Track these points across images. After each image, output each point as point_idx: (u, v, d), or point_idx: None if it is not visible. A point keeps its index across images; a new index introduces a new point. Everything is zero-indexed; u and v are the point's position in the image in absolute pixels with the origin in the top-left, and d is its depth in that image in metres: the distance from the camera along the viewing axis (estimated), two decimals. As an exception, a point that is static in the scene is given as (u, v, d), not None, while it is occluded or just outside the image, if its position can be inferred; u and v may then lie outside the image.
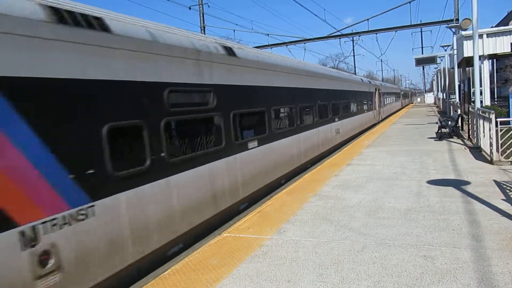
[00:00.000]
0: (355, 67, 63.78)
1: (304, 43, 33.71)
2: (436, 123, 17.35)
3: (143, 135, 5.00)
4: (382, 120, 29.85)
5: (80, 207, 3.97)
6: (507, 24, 44.24)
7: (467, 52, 18.76)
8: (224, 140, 6.90)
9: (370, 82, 27.90)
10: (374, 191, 7.59)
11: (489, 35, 18.65)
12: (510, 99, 20.82)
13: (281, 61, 10.36)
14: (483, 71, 18.46)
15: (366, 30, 30.44)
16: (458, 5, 26.41)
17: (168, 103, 5.49)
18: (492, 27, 23.42)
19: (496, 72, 38.20)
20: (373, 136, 17.62)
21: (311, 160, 11.88)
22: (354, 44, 54.88)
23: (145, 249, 4.86)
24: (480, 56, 17.30)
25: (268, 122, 8.80)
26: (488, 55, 18.84)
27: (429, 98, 76.62)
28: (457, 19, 24.87)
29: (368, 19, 29.26)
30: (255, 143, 8.12)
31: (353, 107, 19.52)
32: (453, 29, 23.98)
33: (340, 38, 33.82)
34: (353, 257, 4.64)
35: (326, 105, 13.87)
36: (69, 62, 4.06)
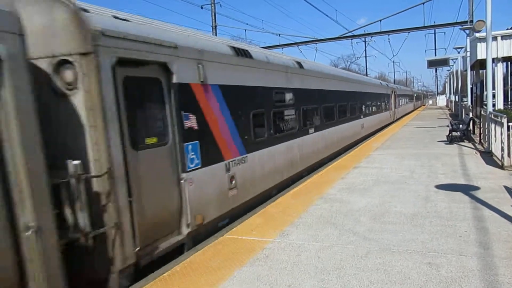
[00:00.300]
0: (366, 68, 63.36)
1: (316, 43, 33.50)
2: (447, 126, 17.11)
3: (264, 118, 8.42)
4: (397, 119, 32.13)
5: (243, 156, 7.36)
6: (522, 27, 43.41)
7: (481, 55, 18.45)
8: (297, 126, 10.25)
9: (387, 85, 31.52)
10: (380, 195, 7.48)
11: (503, 37, 18.33)
12: (524, 103, 20.46)
13: (329, 70, 14.73)
14: (497, 74, 18.16)
15: (379, 31, 30.14)
16: (472, 6, 26.03)
17: (273, 99, 8.91)
18: (507, 29, 23.04)
19: (511, 74, 37.58)
20: (383, 139, 17.44)
21: (344, 147, 15.15)
22: (366, 45, 54.39)
23: (263, 187, 8.19)
24: (494, 59, 17.04)
25: (320, 115, 12.25)
26: (502, 57, 18.54)
27: (441, 100, 75.71)
28: (471, 21, 24.48)
29: (380, 20, 28.96)
30: (313, 130, 11.47)
31: (373, 108, 22.61)
32: (467, 31, 23.64)
33: (352, 39, 33.49)
34: (356, 262, 4.56)
35: (356, 103, 17.77)
36: (240, 76, 7.50)
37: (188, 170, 5.68)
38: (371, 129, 21.28)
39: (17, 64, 3.29)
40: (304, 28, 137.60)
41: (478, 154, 11.62)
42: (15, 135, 3.25)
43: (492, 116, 11.06)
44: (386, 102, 27.61)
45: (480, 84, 16.37)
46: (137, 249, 4.66)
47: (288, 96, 9.76)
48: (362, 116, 18.73)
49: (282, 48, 32.52)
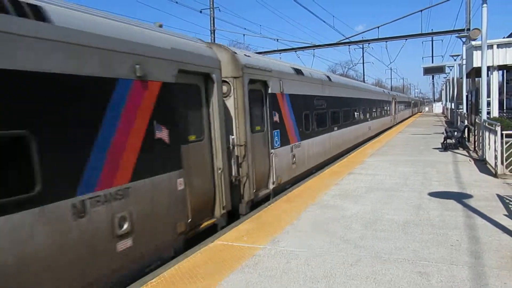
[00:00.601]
0: (364, 75, 63.62)
1: (313, 49, 33.58)
2: (442, 133, 17.14)
3: (309, 118, 11.62)
4: (397, 123, 36.09)
5: (299, 142, 10.50)
6: (518, 35, 43.72)
7: (477, 63, 18.49)
8: (328, 125, 13.66)
9: (389, 93, 35.78)
10: (373, 202, 7.45)
11: (499, 45, 18.39)
12: (519, 111, 20.52)
13: (347, 81, 19.08)
14: (492, 82, 18.23)
15: (376, 37, 30.27)
16: (470, 14, 26.19)
17: (314, 104, 12.18)
18: (503, 37, 23.19)
19: (507, 83, 37.78)
20: (378, 145, 17.45)
21: (355, 144, 18.46)
22: (364, 51, 54.60)
23: (309, 165, 11.54)
24: (489, 67, 17.11)
25: (340, 117, 15.54)
26: (498, 66, 18.61)
27: (438, 107, 76.01)
28: (468, 29, 24.60)
29: (378, 27, 29.08)
30: (336, 128, 14.85)
31: (378, 112, 26.36)
32: (463, 39, 23.76)
33: (349, 45, 33.62)
34: (346, 270, 4.51)
35: (365, 108, 21.33)
36: (297, 87, 10.75)
37: (274, 148, 9.10)
38: (376, 131, 24.90)
39: (218, 83, 6.76)
40: (302, 33, 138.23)
41: (472, 162, 11.63)
42: (216, 121, 6.71)
43: (486, 124, 11.08)
44: (388, 108, 31.92)
45: (475, 92, 16.43)
46: (254, 191, 8.03)
47: (323, 102, 13.19)
48: (369, 119, 22.52)
49: (280, 53, 32.57)
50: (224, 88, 7.36)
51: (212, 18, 30.29)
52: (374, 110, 24.18)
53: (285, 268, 4.66)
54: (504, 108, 32.16)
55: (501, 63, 18.59)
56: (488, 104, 16.03)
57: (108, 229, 4.37)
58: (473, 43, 19.11)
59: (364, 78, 61.94)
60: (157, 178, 5.16)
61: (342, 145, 15.76)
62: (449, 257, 4.74)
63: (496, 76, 19.31)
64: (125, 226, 4.60)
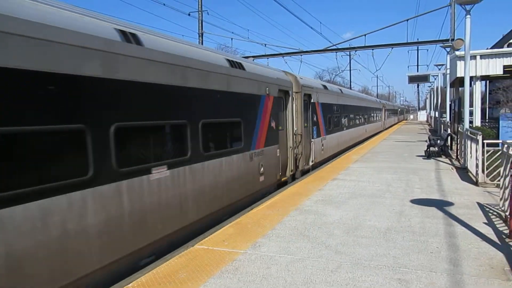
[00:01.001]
0: (350, 82, 64.17)
1: (301, 55, 33.69)
2: (426, 141, 17.34)
3: (330, 119, 16.44)
4: (386, 128, 40.81)
5: (325, 136, 15.53)
6: (502, 47, 44.70)
7: (460, 72, 18.82)
8: (340, 125, 18.34)
9: (380, 101, 40.54)
10: (355, 208, 7.46)
11: (482, 56, 18.76)
12: (500, 121, 20.96)
13: (352, 93, 25.09)
14: (475, 92, 18.54)
15: (363, 45, 30.54)
16: (454, 25, 26.63)
17: (334, 110, 17.20)
18: (487, 49, 23.69)
19: (489, 93, 38.55)
20: (363, 151, 17.57)
21: (355, 142, 22.90)
22: (351, 58, 55.09)
23: (331, 152, 16.52)
24: (472, 77, 17.41)
25: (348, 120, 20.54)
26: (480, 76, 18.95)
27: (422, 116, 77.15)
28: (453, 39, 25.02)
29: (365, 35, 29.26)
30: (345, 128, 19.75)
31: (372, 118, 31.42)
32: (447, 49, 24.15)
33: (336, 52, 33.83)
34: (326, 277, 4.48)
35: (363, 114, 26.48)
36: (325, 97, 15.78)
37: (313, 138, 13.60)
38: (370, 133, 30.16)
39: (291, 97, 11.60)
40: (289, 39, 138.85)
41: (454, 170, 11.76)
42: (289, 118, 11.51)
43: (468, 133, 11.24)
44: (380, 114, 37.76)
45: (458, 101, 16.68)
46: (304, 164, 12.45)
47: (338, 108, 18.02)
48: (366, 123, 27.80)
49: (268, 58, 32.58)
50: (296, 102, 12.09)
51: (200, 21, 30.18)
52: (370, 116, 29.86)
53: (265, 274, 4.61)
54: (487, 117, 32.76)
55: (484, 74, 18.95)
56: (471, 113, 16.30)
57: (258, 167, 9.10)
58: (457, 53, 19.43)
59: (350, 85, 62.49)
60: (271, 148, 9.82)
61: (349, 141, 20.87)
62: (429, 264, 4.75)
63: (479, 86, 19.65)
64: (262, 169, 9.26)
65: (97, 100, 4.53)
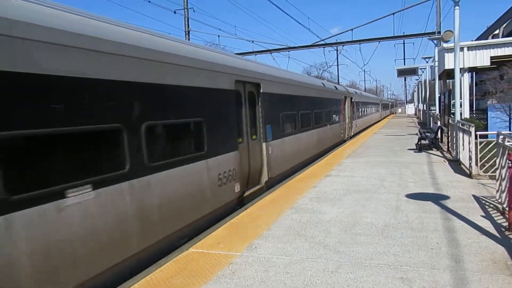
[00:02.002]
0: (338, 77, 64.24)
1: (288, 51, 33.62)
2: (416, 134, 17.34)
3: (358, 112, 25.45)
4: (382, 119, 44.65)
5: (356, 120, 23.32)
6: (486, 38, 45.07)
7: (448, 65, 18.88)
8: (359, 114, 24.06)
9: (377, 97, 44.86)
10: (351, 205, 7.34)
11: (469, 48, 18.81)
12: (489, 112, 21.06)
13: (360, 92, 29.70)
14: (463, 84, 18.59)
15: (350, 40, 30.56)
16: (440, 17, 26.72)
17: (359, 107, 27.72)
18: (472, 40, 23.80)
19: (476, 85, 38.88)
20: (354, 146, 17.50)
21: (370, 124, 32.59)
22: (338, 53, 55.11)
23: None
24: (460, 69, 17.42)
25: (364, 110, 27.13)
26: (468, 68, 19.02)
27: (410, 109, 77.69)
28: (439, 32, 25.11)
29: (352, 29, 29.28)
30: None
31: (374, 110, 40.84)
32: (435, 41, 24.22)
33: (324, 47, 33.79)
34: (327, 278, 4.34)
35: (371, 108, 35.42)
36: (361, 99, 28.80)
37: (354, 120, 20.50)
38: (373, 121, 39.02)
39: (348, 100, 20.66)
40: (277, 36, 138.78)
41: (447, 163, 11.74)
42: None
43: (460, 125, 11.20)
44: (377, 108, 45.88)
45: (448, 93, 16.70)
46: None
47: (361, 105, 22.66)
48: (370, 114, 35.12)
49: (256, 54, 32.39)
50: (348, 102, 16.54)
51: (186, 19, 29.86)
52: (372, 109, 36.33)
53: (264, 277, 4.45)
54: (474, 109, 33.00)
55: (471, 65, 19.02)
56: (460, 105, 16.34)
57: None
58: (445, 45, 19.46)
59: (338, 80, 62.56)
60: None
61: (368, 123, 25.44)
62: (430, 261, 4.64)
63: (467, 78, 19.73)
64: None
65: None
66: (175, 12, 30.75)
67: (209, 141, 6.79)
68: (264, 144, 9.60)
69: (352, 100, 24.21)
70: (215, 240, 5.77)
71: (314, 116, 14.99)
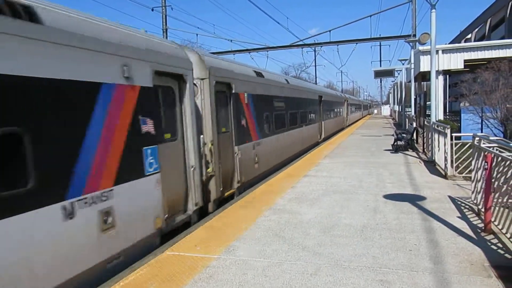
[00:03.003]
0: (316, 77, 64.63)
1: (267, 51, 33.67)
2: (392, 135, 17.57)
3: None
4: (363, 117, 50.20)
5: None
6: (460, 42, 46.30)
7: (424, 67, 19.19)
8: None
9: (359, 99, 48.83)
10: (330, 206, 7.30)
11: (444, 51, 19.19)
12: (462, 114, 21.53)
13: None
14: (438, 86, 18.95)
15: (328, 41, 30.80)
16: (415, 21, 27.21)
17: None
18: (446, 44, 24.38)
19: (449, 87, 39.84)
20: (332, 146, 17.58)
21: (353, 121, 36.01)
22: (316, 54, 55.49)
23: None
24: (435, 71, 17.75)
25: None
26: (442, 70, 19.39)
27: (386, 110, 79.00)
28: (415, 35, 25.57)
29: (330, 31, 29.58)
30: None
31: (357, 110, 45.00)
32: (411, 44, 24.61)
33: (302, 48, 34.02)
34: (306, 281, 4.26)
35: (355, 107, 44.58)
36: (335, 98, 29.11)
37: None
38: (355, 119, 44.12)
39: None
40: (256, 35, 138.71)
41: (422, 164, 11.89)
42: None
43: (436, 127, 11.36)
44: (360, 108, 53.26)
45: (423, 95, 16.97)
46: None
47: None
48: (351, 114, 39.93)
49: (234, 54, 32.23)
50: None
51: (164, 16, 29.46)
52: (356, 109, 41.54)
53: (241, 281, 4.33)
54: (447, 111, 33.78)
55: (445, 68, 19.41)
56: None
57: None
58: (421, 48, 19.77)
59: (316, 81, 62.97)
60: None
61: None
62: (409, 263, 4.62)
63: (441, 80, 20.10)
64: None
65: None
66: (152, 10, 30.29)
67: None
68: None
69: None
70: (192, 243, 5.61)
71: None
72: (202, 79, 7.80)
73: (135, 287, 4.27)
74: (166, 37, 28.72)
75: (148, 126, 5.53)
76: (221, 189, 8.28)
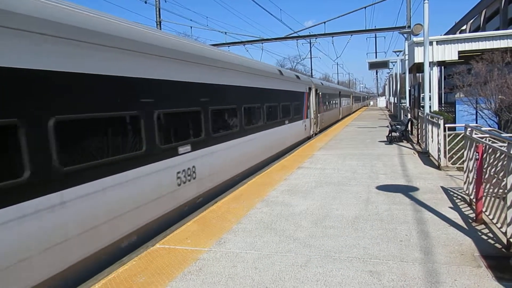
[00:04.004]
0: (311, 69, 64.56)
1: (262, 43, 33.48)
2: (387, 126, 17.56)
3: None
4: (364, 106, 52.42)
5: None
6: (455, 33, 46.24)
7: (418, 58, 19.16)
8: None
9: (361, 91, 49.19)
10: (322, 197, 7.29)
11: (438, 42, 19.16)
12: (457, 105, 21.55)
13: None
14: (432, 77, 18.94)
15: (323, 32, 30.66)
16: (410, 12, 27.12)
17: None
18: (441, 35, 24.35)
19: (444, 78, 39.85)
20: (326, 138, 17.56)
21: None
22: (311, 46, 55.32)
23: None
24: (430, 63, 17.73)
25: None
26: (437, 62, 19.37)
27: (381, 102, 79.09)
28: (409, 26, 25.49)
29: (324, 22, 29.45)
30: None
31: (359, 101, 49.27)
32: (405, 35, 24.56)
33: (297, 40, 33.83)
34: (296, 273, 4.24)
35: (358, 99, 54.97)
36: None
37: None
38: (357, 107, 49.76)
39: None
40: (250, 28, 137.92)
41: (416, 155, 11.90)
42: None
43: (429, 118, 11.35)
44: (361, 99, 62.44)
45: (418, 86, 16.95)
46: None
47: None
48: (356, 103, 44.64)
49: (229, 46, 32.07)
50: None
51: (157, 9, 29.19)
52: (361, 100, 50.74)
53: (231, 273, 4.31)
54: (442, 102, 33.82)
55: (440, 59, 19.39)
56: (429, 98, 16.64)
57: None
58: (415, 39, 19.74)
59: (312, 73, 62.89)
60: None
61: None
62: (399, 254, 4.61)
63: (436, 72, 20.10)
64: None
65: None
66: (146, 2, 30.00)
67: None
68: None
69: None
70: (183, 235, 5.59)
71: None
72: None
73: (124, 280, 4.24)
74: (160, 29, 28.51)
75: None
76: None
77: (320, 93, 22.20)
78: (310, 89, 19.09)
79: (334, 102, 30.16)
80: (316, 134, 20.27)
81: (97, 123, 4.88)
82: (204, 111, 7.69)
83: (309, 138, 18.63)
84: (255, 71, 11.38)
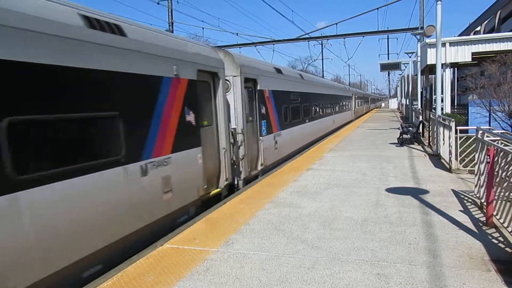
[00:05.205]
0: (323, 71, 64.29)
1: (273, 44, 33.46)
2: (398, 128, 17.44)
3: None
4: (375, 108, 60.15)
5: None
6: (468, 35, 45.67)
7: (431, 60, 18.95)
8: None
9: (376, 94, 53.05)
10: (331, 199, 7.28)
11: (451, 44, 18.93)
12: (469, 107, 21.28)
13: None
14: (445, 79, 18.73)
15: (335, 34, 30.54)
16: (423, 13, 26.91)
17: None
18: (454, 36, 24.10)
19: (457, 80, 39.39)
20: (336, 140, 17.50)
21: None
22: (323, 47, 55.15)
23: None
24: (442, 64, 17.55)
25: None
26: (450, 63, 19.16)
27: (393, 103, 78.43)
28: (422, 27, 25.26)
29: (336, 23, 29.28)
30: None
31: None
32: (418, 36, 24.35)
33: (308, 41, 33.72)
34: (303, 275, 4.25)
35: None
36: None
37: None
38: (371, 107, 55.50)
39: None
40: (261, 28, 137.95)
41: (427, 157, 11.79)
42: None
43: (441, 120, 11.25)
44: (374, 100, 63.79)
45: (430, 88, 16.80)
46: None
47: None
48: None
49: (240, 47, 32.07)
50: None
51: (170, 10, 29.41)
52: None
53: (238, 274, 4.33)
54: (455, 104, 33.44)
55: (453, 61, 19.16)
56: (441, 100, 16.46)
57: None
58: (427, 40, 19.54)
59: (323, 74, 62.64)
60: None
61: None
62: (408, 257, 4.59)
63: (448, 73, 19.87)
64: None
65: None
66: (158, 3, 30.23)
67: None
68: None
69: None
70: (191, 236, 5.63)
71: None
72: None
73: (132, 279, 4.29)
74: (173, 31, 28.72)
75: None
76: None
77: (356, 96, 35.97)
78: (353, 94, 32.99)
79: (362, 102, 48.69)
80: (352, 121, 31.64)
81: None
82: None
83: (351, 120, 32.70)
84: (327, 85, 20.65)
